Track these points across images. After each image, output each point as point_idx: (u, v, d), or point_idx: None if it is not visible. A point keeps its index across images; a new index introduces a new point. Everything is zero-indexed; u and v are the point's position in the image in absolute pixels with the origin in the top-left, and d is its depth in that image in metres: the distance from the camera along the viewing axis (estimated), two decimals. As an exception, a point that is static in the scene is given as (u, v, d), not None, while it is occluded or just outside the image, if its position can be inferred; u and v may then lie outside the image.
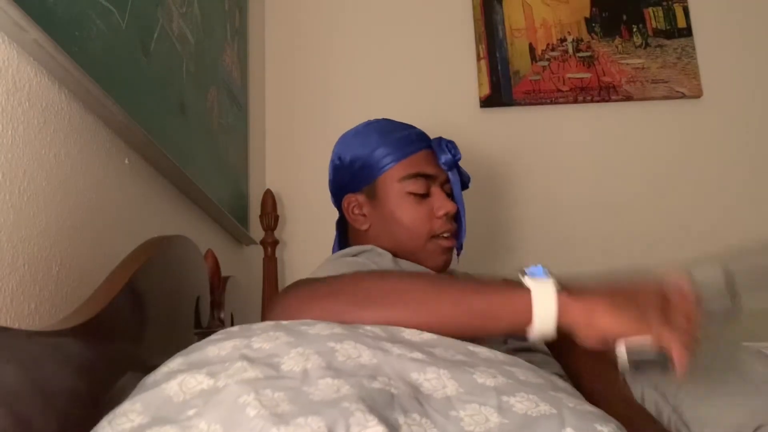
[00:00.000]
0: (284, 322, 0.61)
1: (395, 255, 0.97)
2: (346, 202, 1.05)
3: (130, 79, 0.88)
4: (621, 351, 0.62)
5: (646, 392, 0.77)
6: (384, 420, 0.46)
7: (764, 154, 1.76)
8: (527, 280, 0.65)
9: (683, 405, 0.72)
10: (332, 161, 1.09)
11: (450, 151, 1.01)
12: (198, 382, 0.50)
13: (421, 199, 1.00)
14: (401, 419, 0.48)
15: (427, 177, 1.00)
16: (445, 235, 1.00)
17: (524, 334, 0.64)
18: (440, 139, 1.03)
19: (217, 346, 0.56)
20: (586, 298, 0.62)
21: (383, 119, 1.09)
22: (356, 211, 1.04)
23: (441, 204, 1.00)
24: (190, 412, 0.47)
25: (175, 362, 0.55)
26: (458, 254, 1.08)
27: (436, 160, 1.02)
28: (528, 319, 0.62)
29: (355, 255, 0.94)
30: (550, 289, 0.63)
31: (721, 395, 0.72)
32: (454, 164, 1.02)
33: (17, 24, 0.62)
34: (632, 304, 0.62)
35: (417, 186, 0.99)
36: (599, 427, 0.50)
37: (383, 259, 0.93)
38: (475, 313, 0.65)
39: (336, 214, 1.13)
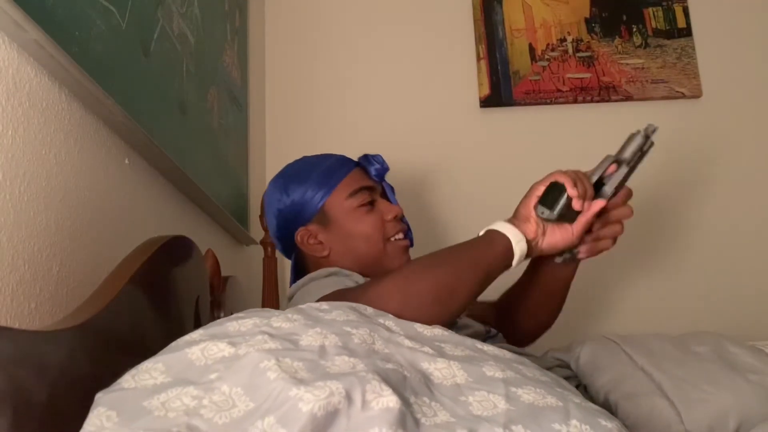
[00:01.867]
0: (302, 306, 0.64)
1: (360, 272, 0.99)
2: (300, 236, 1.07)
3: (130, 79, 0.88)
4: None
5: (633, 373, 0.78)
6: (398, 393, 0.48)
7: (764, 154, 1.76)
8: (495, 226, 0.86)
9: (670, 385, 0.74)
10: (271, 212, 1.11)
11: (380, 163, 1.11)
12: (220, 349, 0.52)
13: (370, 208, 1.06)
14: (412, 399, 0.49)
15: (369, 189, 1.07)
16: (400, 236, 1.07)
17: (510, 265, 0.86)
18: (366, 155, 1.12)
19: (238, 323, 0.58)
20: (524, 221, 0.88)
21: (300, 159, 1.13)
22: (311, 241, 1.06)
23: (388, 209, 1.08)
24: (212, 376, 0.49)
25: (195, 334, 0.56)
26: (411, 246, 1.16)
27: (368, 175, 1.10)
28: (511, 250, 0.85)
29: (326, 277, 0.96)
30: (509, 226, 0.86)
31: (709, 382, 0.75)
32: (384, 173, 1.12)
33: (17, 24, 0.62)
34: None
35: (363, 197, 1.05)
36: (603, 422, 0.51)
37: (351, 279, 0.95)
38: (483, 264, 0.83)
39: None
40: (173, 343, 0.55)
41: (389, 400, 0.46)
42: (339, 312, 0.63)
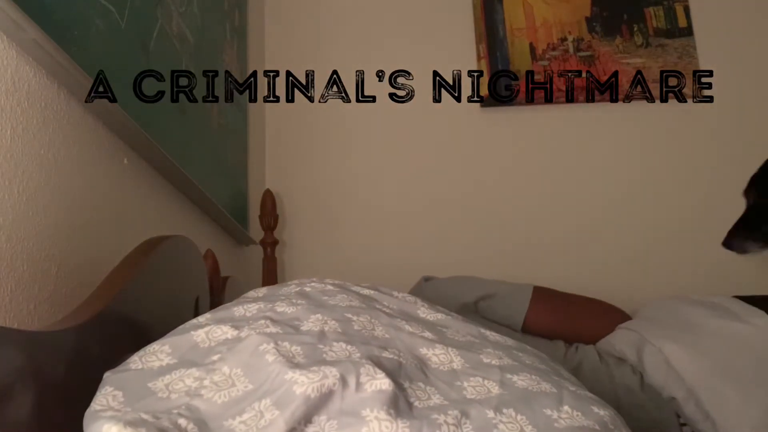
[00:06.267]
0: (308, 289, 0.67)
1: None
2: None
3: (130, 79, 0.88)
4: None
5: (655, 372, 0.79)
6: (391, 377, 0.49)
7: (764, 155, 1.75)
8: None
9: (701, 391, 0.74)
10: None
11: None
12: (223, 332, 0.55)
13: None
14: (406, 384, 0.51)
15: None
16: None
17: None
18: None
19: (243, 307, 0.61)
20: None
21: None
22: None
23: None
24: (215, 357, 0.51)
25: (202, 318, 0.59)
26: None
27: None
28: None
29: None
30: None
31: (740, 389, 0.75)
32: None
33: (16, 23, 0.62)
34: None
35: None
36: (596, 410, 0.52)
37: None
38: None
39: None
40: (180, 326, 0.58)
41: (382, 383, 0.48)
42: (343, 296, 0.64)
